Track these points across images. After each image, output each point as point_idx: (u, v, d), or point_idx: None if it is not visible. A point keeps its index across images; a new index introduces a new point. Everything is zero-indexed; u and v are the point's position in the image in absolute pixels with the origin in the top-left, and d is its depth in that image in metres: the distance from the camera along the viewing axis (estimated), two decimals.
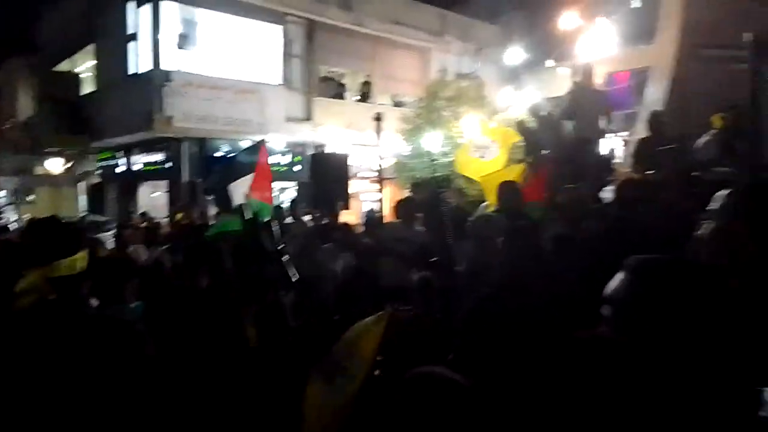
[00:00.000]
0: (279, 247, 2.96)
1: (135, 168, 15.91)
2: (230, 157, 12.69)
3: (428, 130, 14.30)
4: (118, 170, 16.67)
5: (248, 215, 3.21)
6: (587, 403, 1.22)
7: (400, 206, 6.16)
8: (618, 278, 1.41)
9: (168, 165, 14.53)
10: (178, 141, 14.10)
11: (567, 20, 12.64)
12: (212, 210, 13.27)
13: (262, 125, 14.63)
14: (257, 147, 5.73)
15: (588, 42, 12.84)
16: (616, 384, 1.23)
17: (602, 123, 7.58)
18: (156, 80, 13.18)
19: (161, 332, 2.46)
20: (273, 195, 6.21)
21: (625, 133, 9.35)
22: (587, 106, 7.31)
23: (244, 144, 14.92)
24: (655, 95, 8.48)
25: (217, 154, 14.15)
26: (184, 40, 13.63)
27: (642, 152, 6.87)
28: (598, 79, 7.66)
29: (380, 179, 8.15)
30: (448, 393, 1.35)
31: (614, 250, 3.06)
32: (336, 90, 17.07)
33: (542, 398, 1.30)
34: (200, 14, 14.00)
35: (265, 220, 3.26)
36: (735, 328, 1.33)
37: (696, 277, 1.33)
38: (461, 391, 1.36)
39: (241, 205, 3.46)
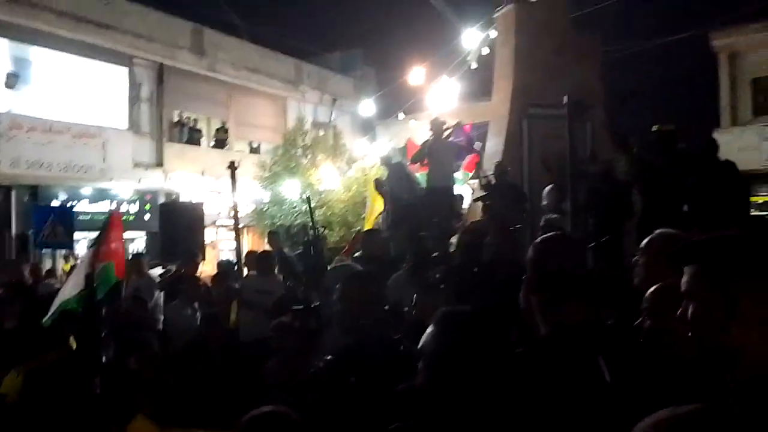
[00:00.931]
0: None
1: None
2: (67, 207, 11.63)
3: (286, 178, 14.29)
4: None
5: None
6: None
7: (258, 258, 6.08)
8: (428, 331, 1.46)
9: None
10: (7, 189, 12.68)
11: (415, 76, 13.57)
12: (47, 264, 12.05)
13: (105, 171, 13.65)
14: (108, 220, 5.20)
15: (434, 97, 13.88)
16: None
17: (454, 172, 8.15)
18: None
19: None
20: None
21: (473, 181, 10.08)
22: (439, 157, 7.82)
23: (85, 192, 13.82)
24: (494, 148, 9.29)
25: (54, 203, 12.89)
26: (13, 80, 12.44)
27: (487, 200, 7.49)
28: (448, 132, 8.23)
29: (237, 228, 7.96)
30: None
31: (455, 297, 3.29)
32: (191, 135, 16.51)
33: None
34: (35, 53, 12.92)
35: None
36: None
37: (493, 326, 1.42)
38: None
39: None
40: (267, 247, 7.95)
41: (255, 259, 6.30)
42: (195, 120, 17.00)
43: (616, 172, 6.36)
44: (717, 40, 16.13)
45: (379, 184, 8.63)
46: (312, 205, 13.36)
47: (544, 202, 7.40)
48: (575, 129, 6.50)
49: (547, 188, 7.50)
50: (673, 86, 18.60)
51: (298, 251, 6.36)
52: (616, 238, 5.90)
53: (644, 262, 2.52)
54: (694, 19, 16.36)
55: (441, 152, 7.97)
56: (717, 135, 12.52)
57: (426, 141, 8.16)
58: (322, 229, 6.30)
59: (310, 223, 5.98)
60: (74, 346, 3.41)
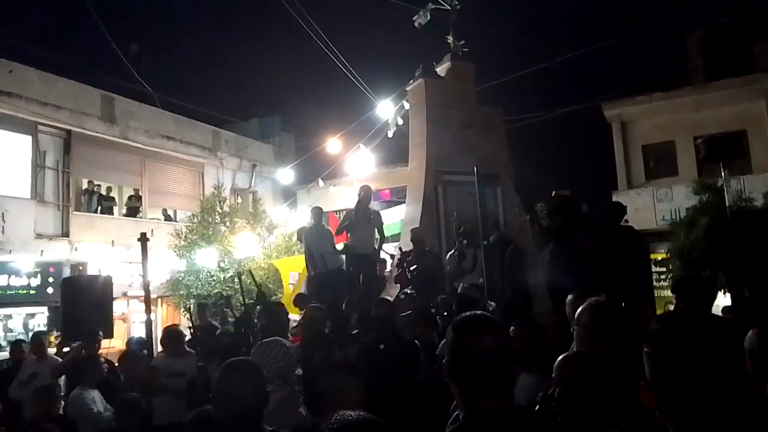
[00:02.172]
0: None
1: None
2: None
3: (203, 246, 13.89)
4: None
5: None
6: None
7: (168, 338, 5.81)
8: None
9: None
10: None
11: (333, 144, 13.89)
12: None
13: (4, 243, 12.75)
14: None
15: (353, 164, 14.20)
16: None
17: (375, 238, 8.26)
18: None
19: None
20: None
21: (392, 245, 10.22)
22: (362, 224, 7.94)
23: None
24: (412, 213, 9.54)
25: None
26: None
27: (404, 265, 7.62)
28: (365, 197, 8.41)
29: (149, 303, 7.58)
30: None
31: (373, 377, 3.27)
32: (103, 204, 15.80)
33: None
34: None
35: None
36: None
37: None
38: None
39: None
40: (178, 321, 7.62)
41: (164, 338, 5.99)
42: (107, 188, 16.35)
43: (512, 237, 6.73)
44: (608, 111, 17.68)
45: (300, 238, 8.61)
46: (230, 274, 13.07)
47: (448, 267, 7.65)
48: (486, 195, 6.85)
49: (449, 254, 7.78)
50: (574, 152, 20.09)
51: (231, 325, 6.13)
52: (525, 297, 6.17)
53: (577, 333, 2.62)
54: (587, 92, 17.91)
55: (362, 219, 8.10)
56: (615, 197, 13.56)
57: (348, 211, 8.27)
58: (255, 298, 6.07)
59: (241, 298, 5.81)
60: None
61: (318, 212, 8.82)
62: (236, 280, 5.91)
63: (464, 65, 10.36)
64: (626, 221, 6.53)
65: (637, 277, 5.45)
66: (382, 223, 8.57)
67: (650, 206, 15.37)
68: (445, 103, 9.73)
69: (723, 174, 8.08)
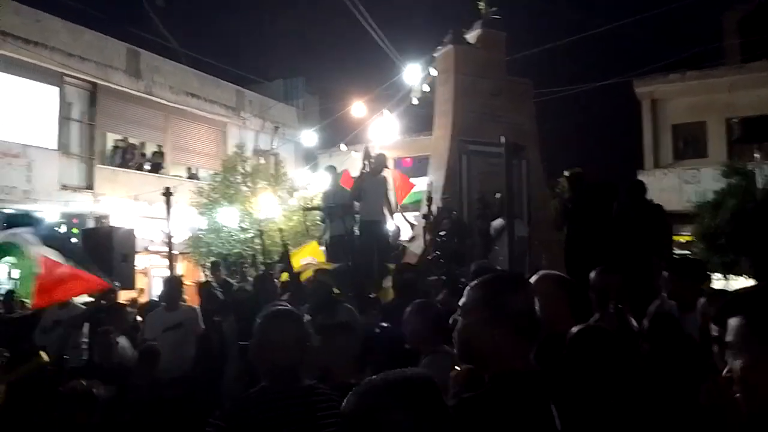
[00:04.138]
0: None
1: None
2: None
3: (224, 205, 13.98)
4: None
5: None
6: None
7: (165, 290, 5.87)
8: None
9: None
10: None
11: (357, 109, 13.74)
12: None
13: (29, 193, 12.95)
14: None
15: (376, 130, 14.07)
16: None
17: (385, 206, 8.20)
18: None
19: None
20: None
21: (412, 214, 10.19)
22: (372, 191, 7.85)
23: (8, 213, 13.02)
24: (435, 182, 9.46)
25: None
26: None
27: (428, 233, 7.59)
28: (386, 165, 8.33)
29: (172, 255, 7.69)
30: None
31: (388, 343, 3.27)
32: (125, 158, 15.90)
33: None
34: None
35: None
36: None
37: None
38: None
39: None
40: (198, 277, 7.69)
41: (163, 290, 6.06)
42: (130, 143, 16.45)
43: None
44: (640, 88, 17.21)
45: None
46: (251, 235, 13.18)
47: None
48: (512, 167, 6.73)
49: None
50: (602, 129, 19.67)
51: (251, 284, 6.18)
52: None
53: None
54: (619, 68, 17.46)
55: (374, 186, 8.01)
56: (640, 176, 13.31)
57: (360, 176, 8.18)
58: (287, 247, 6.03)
59: (261, 257, 5.84)
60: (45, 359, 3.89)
61: (332, 170, 8.79)
62: (257, 240, 5.91)
63: (495, 33, 10.11)
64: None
65: (665, 255, 5.34)
66: (389, 190, 8.49)
67: (676, 187, 15.08)
68: (473, 72, 9.54)
69: (756, 156, 7.86)
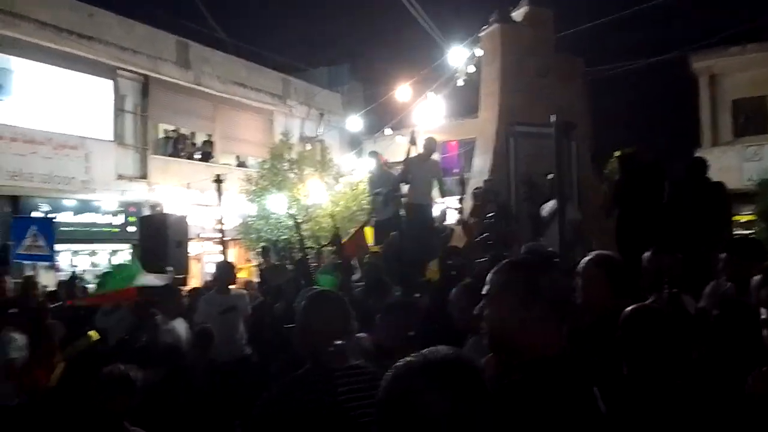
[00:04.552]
0: None
1: None
2: (49, 219, 11.44)
3: (272, 192, 14.24)
4: None
5: None
6: None
7: (218, 273, 6.01)
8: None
9: None
10: None
11: (402, 93, 13.65)
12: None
13: (88, 183, 13.49)
14: None
15: (421, 113, 13.96)
16: None
17: (434, 189, 8.16)
18: None
19: None
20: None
21: (457, 198, 10.09)
22: (420, 175, 7.83)
23: (67, 203, 13.64)
24: (481, 165, 9.34)
25: (35, 215, 12.68)
26: None
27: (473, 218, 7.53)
28: (434, 149, 8.30)
29: (224, 241, 7.96)
30: None
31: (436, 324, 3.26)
32: (176, 148, 16.36)
33: None
34: (17, 63, 12.77)
35: None
36: None
37: None
38: None
39: None
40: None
41: (215, 273, 6.22)
42: (182, 134, 16.90)
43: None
44: (697, 63, 16.47)
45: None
46: (299, 221, 13.42)
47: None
48: (563, 147, 6.56)
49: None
50: (655, 107, 18.93)
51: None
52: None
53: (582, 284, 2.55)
54: (674, 42, 16.69)
55: (422, 170, 7.98)
56: (698, 154, 12.77)
57: (407, 160, 8.15)
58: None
59: (299, 243, 5.95)
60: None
61: (376, 155, 8.85)
62: (296, 227, 5.97)
63: (542, 10, 9.81)
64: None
65: (724, 236, 5.11)
66: (442, 175, 8.43)
67: (737, 166, 14.42)
68: (520, 51, 9.32)
69: None
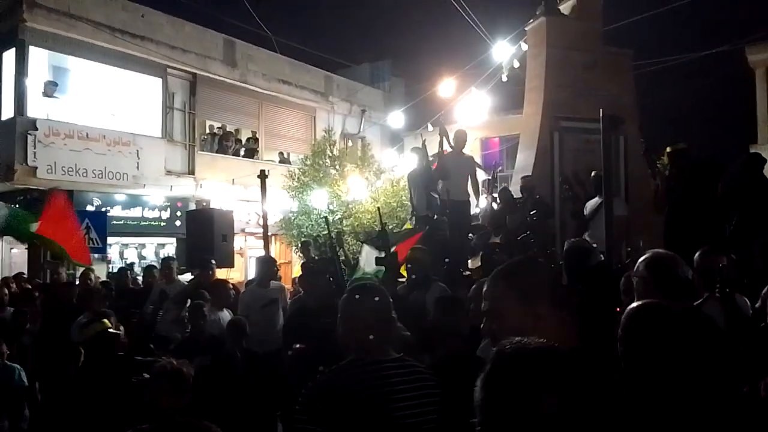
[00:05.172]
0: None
1: None
2: (102, 212, 11.87)
3: (314, 188, 14.38)
4: None
5: None
6: None
7: (258, 267, 6.09)
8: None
9: None
10: (44, 193, 13.00)
11: (444, 88, 13.56)
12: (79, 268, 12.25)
13: (138, 178, 13.93)
14: None
15: (464, 109, 13.84)
16: None
17: (470, 185, 8.06)
18: (19, 128, 12.19)
19: None
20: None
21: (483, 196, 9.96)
22: (456, 170, 7.74)
23: (118, 197, 14.11)
24: (525, 161, 9.19)
25: (89, 208, 13.16)
26: (52, 88, 12.81)
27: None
28: (471, 144, 8.18)
29: (267, 236, 8.11)
30: None
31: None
32: (222, 145, 16.71)
33: None
34: (73, 62, 13.28)
35: None
36: None
37: None
38: None
39: None
40: (290, 258, 7.93)
41: (256, 267, 6.31)
42: (227, 131, 17.25)
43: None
44: (753, 55, 15.76)
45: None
46: (339, 217, 13.47)
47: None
48: (610, 142, 6.39)
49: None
50: (709, 101, 18.25)
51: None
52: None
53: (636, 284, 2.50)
54: (729, 34, 16.03)
55: (458, 165, 7.88)
56: (753, 150, 12.23)
57: (442, 155, 8.05)
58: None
59: (329, 241, 5.99)
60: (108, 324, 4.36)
61: (419, 151, 8.45)
62: (326, 225, 5.98)
63: (592, 2, 9.59)
64: None
65: None
66: (476, 171, 8.30)
67: None
68: (567, 44, 9.13)
69: None
